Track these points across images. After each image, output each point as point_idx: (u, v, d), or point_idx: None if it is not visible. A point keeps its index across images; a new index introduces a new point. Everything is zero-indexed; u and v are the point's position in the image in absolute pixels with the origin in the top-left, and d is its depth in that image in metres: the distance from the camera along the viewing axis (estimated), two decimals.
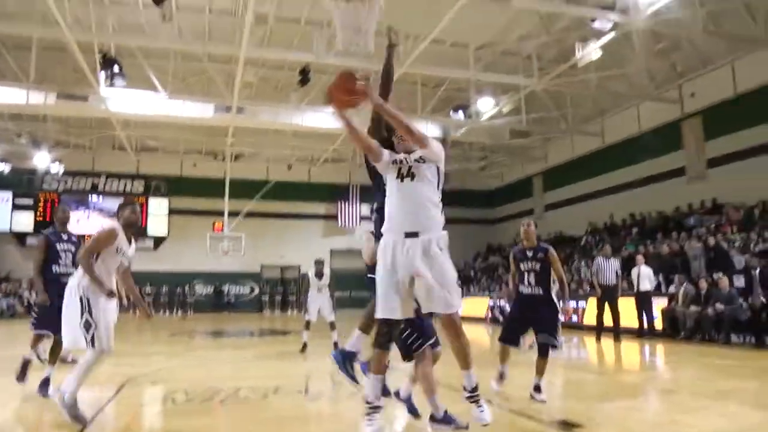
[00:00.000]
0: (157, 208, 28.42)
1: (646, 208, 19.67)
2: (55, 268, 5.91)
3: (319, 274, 10.65)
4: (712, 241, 14.12)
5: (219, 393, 6.01)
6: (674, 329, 12.42)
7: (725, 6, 14.94)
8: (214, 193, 26.42)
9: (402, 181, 3.81)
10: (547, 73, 17.92)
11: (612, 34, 14.58)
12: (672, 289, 13.52)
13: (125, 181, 28.36)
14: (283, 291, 29.65)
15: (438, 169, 3.87)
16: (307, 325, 10.43)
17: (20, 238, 26.34)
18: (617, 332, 12.32)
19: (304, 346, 10.29)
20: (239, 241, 25.80)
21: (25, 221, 26.43)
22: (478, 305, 21.85)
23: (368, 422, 3.76)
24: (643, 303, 13.00)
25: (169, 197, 28.54)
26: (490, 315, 20.23)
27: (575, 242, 22.07)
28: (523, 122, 21.06)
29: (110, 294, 4.52)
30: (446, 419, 4.07)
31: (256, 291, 29.52)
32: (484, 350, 12.97)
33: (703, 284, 12.16)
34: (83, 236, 6.22)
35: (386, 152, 3.93)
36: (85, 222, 25.56)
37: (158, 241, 28.05)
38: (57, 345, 5.68)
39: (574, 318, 15.41)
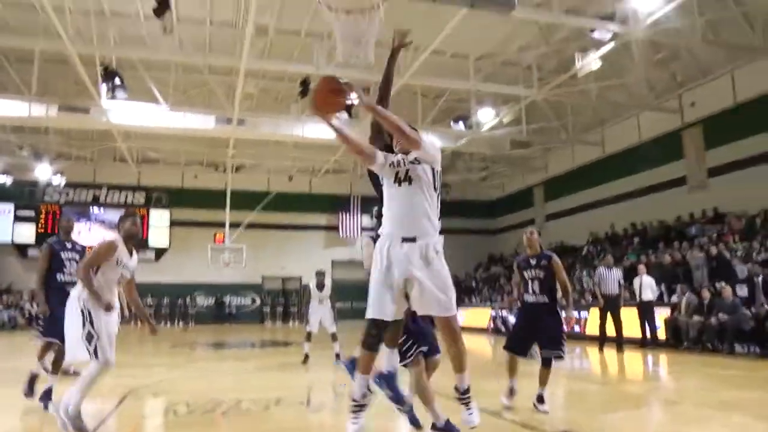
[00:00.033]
0: (159, 220, 28.43)
1: (647, 218, 19.66)
2: (59, 277, 5.91)
3: (320, 286, 10.63)
4: (714, 250, 14.09)
5: (221, 405, 5.99)
6: (677, 339, 12.37)
7: (723, 15, 15.01)
8: (215, 205, 26.43)
9: (399, 185, 3.79)
10: (547, 83, 17.98)
11: (611, 44, 14.63)
12: (674, 298, 13.48)
13: (126, 192, 28.40)
14: (284, 302, 29.61)
15: (434, 170, 3.85)
16: (309, 336, 10.41)
17: (21, 249, 26.36)
18: (620, 342, 12.28)
19: (306, 357, 10.26)
20: (240, 252, 25.79)
21: (26, 233, 26.46)
22: (479, 316, 21.81)
23: (353, 420, 3.76)
24: (646, 313, 12.97)
25: (171, 209, 28.55)
26: (492, 325, 20.18)
27: (576, 252, 22.04)
28: (523, 132, 21.09)
29: (108, 308, 4.50)
30: (447, 428, 4.05)
31: (258, 302, 29.47)
32: (486, 361, 12.93)
33: (706, 294, 12.13)
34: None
35: (380, 154, 3.91)
36: (86, 234, 25.54)
37: (159, 253, 28.04)
38: (61, 355, 5.66)
39: (577, 328, 15.36)
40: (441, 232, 3.85)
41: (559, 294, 5.79)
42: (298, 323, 26.45)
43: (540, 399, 5.51)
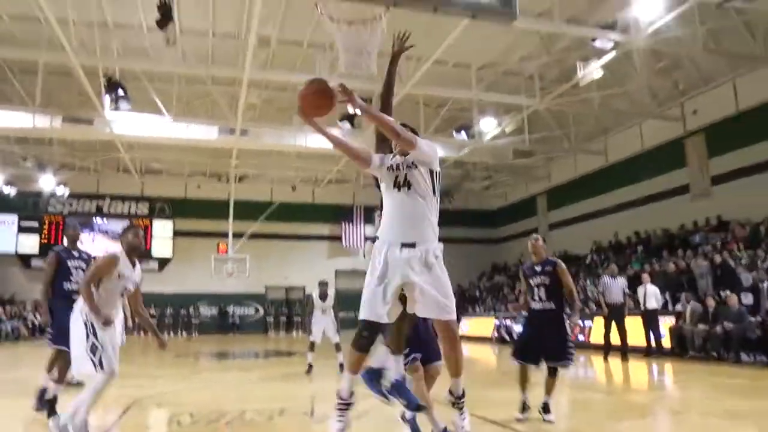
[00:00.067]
0: (162, 230, 28.50)
1: (650, 226, 19.63)
2: (66, 285, 5.91)
3: (323, 296, 10.62)
4: (718, 258, 14.04)
5: (225, 415, 5.97)
6: (682, 348, 12.32)
7: (724, 24, 15.04)
8: (218, 215, 26.48)
9: (398, 190, 3.77)
10: (549, 92, 18.02)
11: (613, 53, 14.68)
12: (679, 307, 13.43)
13: (130, 203, 28.50)
14: (287, 312, 29.59)
15: (433, 172, 3.83)
16: (312, 346, 10.38)
17: (25, 260, 26.48)
18: (625, 351, 12.23)
19: (310, 367, 10.23)
20: (244, 262, 25.79)
21: (30, 243, 26.59)
22: (483, 325, 21.76)
23: (339, 418, 3.74)
24: (650, 321, 12.92)
25: (174, 219, 28.63)
26: (496, 335, 20.12)
27: (580, 261, 21.99)
28: (526, 142, 21.10)
29: (106, 323, 4.48)
30: None
31: (261, 312, 29.44)
32: (491, 370, 12.90)
33: (711, 302, 12.08)
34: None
35: (375, 156, 3.90)
36: (89, 244, 25.59)
37: (163, 263, 28.07)
38: (67, 364, 5.64)
39: (581, 337, 15.31)
40: (444, 241, 3.84)
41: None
42: (302, 333, 26.42)
43: (545, 408, 5.48)
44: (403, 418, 4.53)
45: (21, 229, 26.65)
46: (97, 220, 27.67)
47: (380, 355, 4.17)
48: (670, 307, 13.94)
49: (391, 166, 3.85)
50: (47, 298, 5.93)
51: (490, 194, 31.13)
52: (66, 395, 5.52)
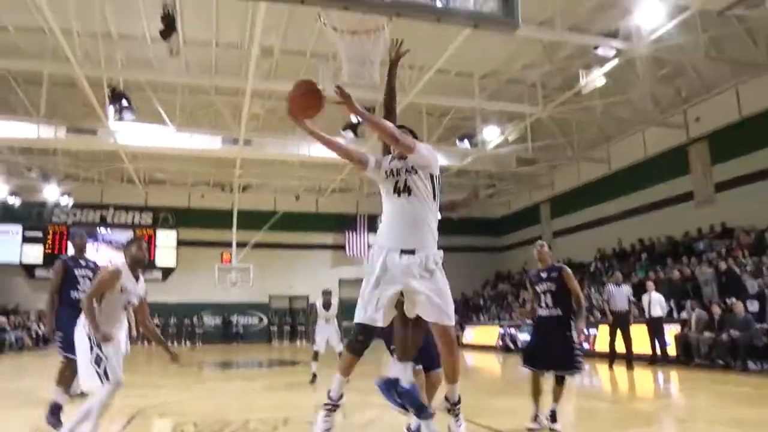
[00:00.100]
0: (165, 240, 28.56)
1: (654, 233, 19.59)
2: (74, 294, 5.89)
3: (327, 305, 10.61)
4: (723, 265, 14.00)
5: (228, 425, 5.95)
6: (688, 356, 12.26)
7: (726, 31, 15.05)
8: (222, 225, 26.50)
9: (398, 195, 3.76)
10: (551, 100, 18.04)
11: (615, 61, 14.71)
12: (684, 314, 13.38)
13: (134, 213, 28.57)
14: (291, 321, 29.56)
15: (432, 176, 3.82)
16: (316, 355, 10.36)
17: (29, 270, 26.54)
18: (630, 359, 12.18)
19: (314, 377, 10.20)
20: (247, 272, 25.78)
21: (34, 254, 26.66)
22: (488, 333, 21.70)
23: (325, 419, 3.75)
24: (655, 329, 12.88)
25: (177, 229, 28.67)
26: (500, 343, 20.06)
27: (584, 269, 21.94)
28: (529, 150, 21.10)
29: (105, 339, 4.45)
30: None
31: (265, 321, 29.42)
32: (495, 378, 12.86)
33: (716, 309, 12.04)
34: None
35: (371, 158, 3.88)
36: (93, 254, 25.62)
37: (166, 273, 28.09)
38: (73, 371, 5.61)
39: (586, 345, 15.25)
40: (448, 250, 3.84)
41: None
42: (306, 342, 26.36)
43: (553, 416, 5.45)
44: (408, 429, 4.50)
45: (25, 240, 26.73)
46: (101, 230, 27.70)
47: (398, 365, 4.15)
48: (675, 314, 13.89)
49: (391, 170, 3.83)
50: (53, 307, 5.91)
51: (493, 202, 31.12)
52: (71, 406, 5.51)
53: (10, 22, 15.28)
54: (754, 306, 11.84)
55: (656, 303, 13.01)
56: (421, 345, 4.18)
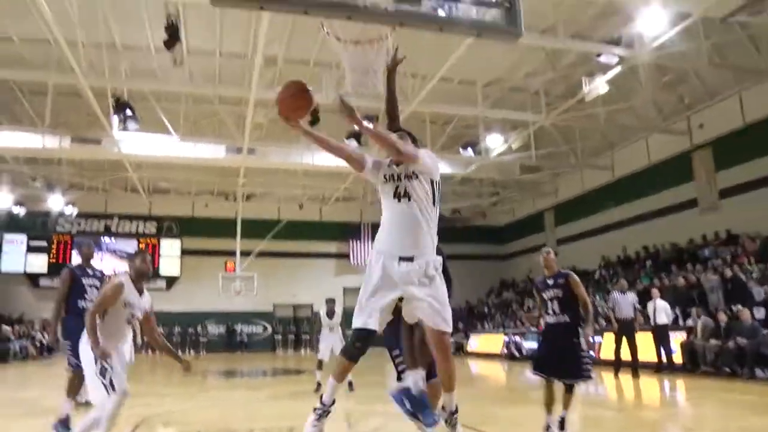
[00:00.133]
0: (170, 249, 28.62)
1: (659, 240, 19.53)
2: (81, 303, 5.89)
3: (331, 313, 10.59)
4: (729, 272, 13.95)
5: None
6: (694, 363, 12.20)
7: (729, 38, 15.05)
8: (225, 233, 26.51)
9: (398, 201, 3.74)
10: (555, 108, 18.05)
11: (618, 69, 14.72)
12: (690, 322, 13.32)
13: (138, 222, 28.65)
14: (295, 330, 29.55)
15: (433, 182, 3.81)
16: (320, 364, 10.33)
17: (33, 279, 26.63)
18: (635, 367, 12.12)
19: (318, 385, 10.16)
20: (251, 280, 25.78)
21: (39, 263, 26.76)
22: (492, 341, 21.64)
23: (314, 423, 3.71)
24: (661, 337, 12.82)
25: (182, 238, 28.74)
26: (505, 351, 20.00)
27: (589, 276, 21.87)
28: (532, 158, 21.10)
29: (102, 355, 4.40)
30: None
31: (269, 330, 29.40)
32: (500, 387, 12.80)
33: (722, 317, 11.98)
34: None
35: (370, 159, 3.86)
36: (98, 263, 25.67)
37: (171, 282, 28.12)
38: (81, 379, 5.59)
39: (591, 353, 15.18)
40: (452, 258, 3.83)
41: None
42: (310, 351, 26.34)
43: (562, 424, 5.41)
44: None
45: (30, 249, 26.81)
46: (106, 240, 27.77)
47: (408, 374, 4.13)
48: (680, 322, 13.83)
49: (391, 175, 3.81)
50: (58, 316, 5.90)
51: (497, 210, 31.11)
52: (76, 413, 5.50)
53: (15, 33, 15.38)
54: (760, 313, 11.79)
55: (661, 310, 12.96)
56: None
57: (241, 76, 16.73)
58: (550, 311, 5.68)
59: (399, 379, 4.26)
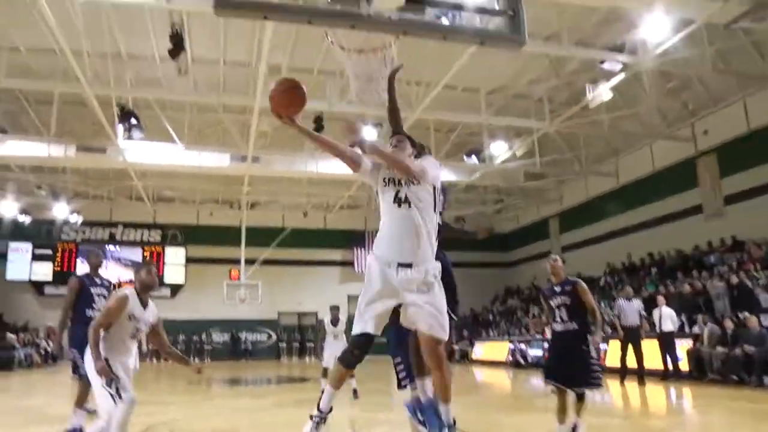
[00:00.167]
0: (174, 257, 28.69)
1: (664, 247, 19.46)
2: (89, 312, 5.89)
3: (335, 321, 10.59)
4: (735, 279, 13.89)
5: None
6: (700, 371, 12.13)
7: (733, 44, 15.05)
8: (230, 242, 26.55)
9: (399, 206, 3.70)
10: (558, 115, 18.07)
11: (622, 75, 14.73)
12: (696, 329, 13.26)
13: (142, 230, 28.74)
14: (300, 338, 29.52)
15: (435, 188, 3.80)
16: (325, 372, 10.30)
17: (38, 287, 26.71)
18: (642, 374, 12.07)
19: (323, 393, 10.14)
20: (256, 288, 25.77)
21: (43, 271, 26.85)
22: (497, 349, 21.59)
23: (312, 430, 3.72)
24: (667, 344, 12.77)
25: (186, 246, 28.80)
26: (510, 358, 19.94)
27: (594, 283, 21.80)
28: (536, 165, 21.08)
29: (101, 372, 4.36)
30: None
31: (274, 338, 29.39)
32: (505, 394, 12.75)
33: (729, 324, 11.92)
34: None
35: (368, 161, 3.83)
36: (102, 271, 25.72)
37: (175, 290, 28.15)
38: (86, 389, 5.57)
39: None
40: (456, 266, 3.83)
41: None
42: (315, 359, 26.31)
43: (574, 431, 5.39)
44: None
45: (35, 257, 26.92)
46: (110, 248, 27.85)
47: (417, 382, 4.12)
48: (686, 329, 13.77)
49: (392, 180, 3.78)
50: (64, 325, 5.88)
51: (501, 217, 31.08)
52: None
53: (22, 44, 15.50)
54: (767, 320, 11.72)
55: (667, 317, 12.92)
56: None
57: (245, 85, 16.81)
58: (558, 319, 5.64)
59: (399, 386, 4.25)
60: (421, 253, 3.64)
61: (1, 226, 24.81)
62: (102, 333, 4.53)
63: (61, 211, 24.71)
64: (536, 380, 13.90)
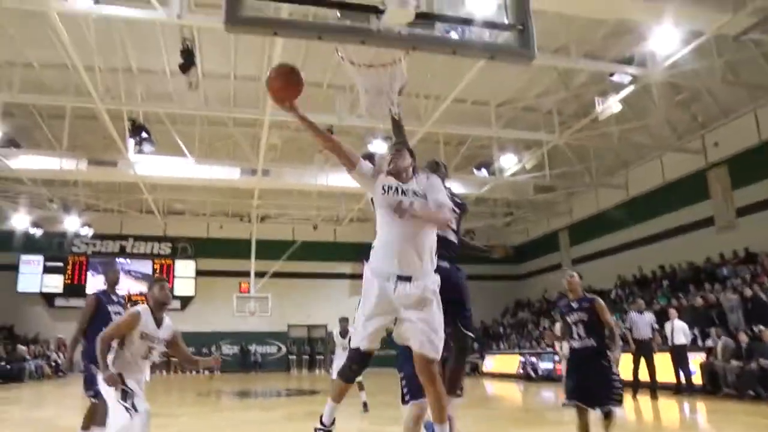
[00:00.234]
0: (184, 270, 28.79)
1: (675, 260, 19.32)
2: (104, 330, 5.88)
3: (344, 333, 10.57)
4: (748, 292, 13.75)
5: None
6: (714, 385, 12.00)
7: (742, 56, 14.99)
8: (240, 254, 26.63)
9: (400, 217, 3.58)
10: (568, 127, 18.05)
11: (631, 88, 14.72)
12: (709, 342, 13.13)
13: (153, 243, 28.90)
14: (310, 350, 29.51)
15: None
16: None
17: (49, 299, 26.90)
18: (654, 388, 11.95)
19: None
20: (266, 301, 25.81)
21: (54, 283, 27.06)
22: (508, 362, 21.47)
23: None
24: (679, 358, 12.64)
25: (196, 259, 28.92)
26: (521, 371, 19.83)
27: (605, 296, 21.63)
28: (546, 177, 21.06)
29: (109, 380, 4.36)
30: None
31: (283, 350, 29.37)
32: (516, 407, 12.66)
33: (743, 337, 11.80)
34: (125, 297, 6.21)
35: (366, 165, 3.75)
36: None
37: (185, 302, 28.19)
38: (99, 409, 5.57)
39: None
40: (467, 279, 3.80)
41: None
42: (324, 371, 26.25)
43: None
44: None
45: (46, 270, 27.14)
46: (121, 260, 27.99)
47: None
48: (699, 342, 13.64)
49: (396, 189, 3.70)
50: (77, 341, 5.84)
51: (511, 230, 30.99)
52: None
53: (36, 59, 15.69)
54: None
55: (679, 330, 12.80)
56: (458, 375, 4.14)
57: (255, 99, 16.91)
58: (576, 335, 5.54)
59: (402, 402, 4.23)
60: (422, 267, 3.56)
61: (13, 239, 25.03)
62: (114, 346, 4.52)
63: (72, 224, 24.89)
64: (547, 393, 13.81)
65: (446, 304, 3.82)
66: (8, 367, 19.98)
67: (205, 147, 19.84)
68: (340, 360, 10.38)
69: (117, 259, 27.56)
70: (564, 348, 9.78)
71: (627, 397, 11.88)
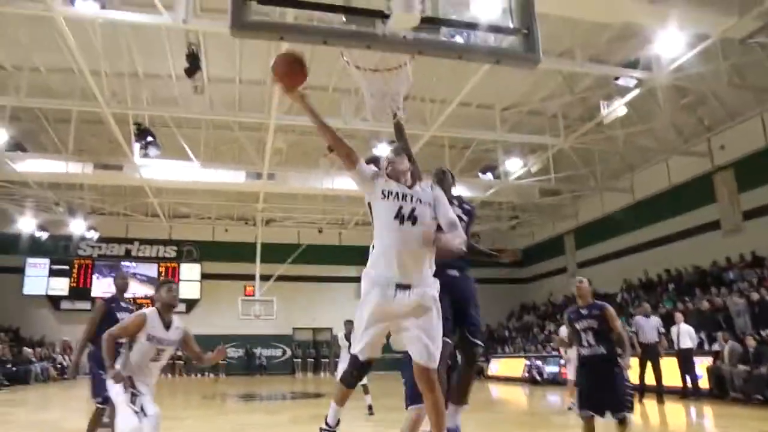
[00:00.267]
0: (189, 273, 28.82)
1: (681, 263, 19.24)
2: None
3: (349, 335, 10.54)
4: (755, 295, 13.68)
5: None
6: (721, 389, 11.93)
7: (748, 59, 14.94)
8: (245, 258, 26.63)
9: (401, 223, 3.52)
10: (573, 131, 18.03)
11: (636, 91, 14.69)
12: (716, 346, 13.07)
13: (158, 246, 28.99)
14: (315, 353, 29.51)
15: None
16: None
17: (55, 302, 27.02)
18: (661, 392, 11.90)
19: None
20: (271, 304, 25.81)
21: (60, 286, 27.17)
22: (513, 365, 21.42)
23: None
24: (686, 362, 12.58)
25: (201, 262, 28.99)
26: (526, 374, 19.78)
27: (610, 300, 21.53)
28: (552, 181, 21.03)
29: (115, 378, 4.36)
30: None
31: (288, 353, 29.39)
32: (521, 411, 12.62)
33: (751, 341, 11.72)
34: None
35: (367, 166, 3.71)
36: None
37: (190, 305, 28.22)
38: (104, 414, 5.56)
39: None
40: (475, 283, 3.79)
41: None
42: (330, 374, 26.25)
43: None
44: None
45: (52, 272, 27.24)
46: (126, 264, 28.09)
47: (449, 415, 4.08)
48: (706, 346, 13.58)
49: (396, 194, 3.62)
50: (84, 346, 5.83)
51: (516, 234, 30.94)
52: None
53: (42, 64, 15.78)
54: None
55: (685, 334, 12.74)
56: (466, 383, 4.13)
57: (260, 103, 16.95)
58: (585, 343, 5.45)
59: (406, 406, 4.24)
60: (421, 274, 3.51)
61: (19, 242, 25.16)
62: (123, 351, 4.53)
63: (77, 227, 24.97)
64: (553, 396, 13.77)
65: (454, 313, 3.80)
66: (14, 369, 20.03)
67: (211, 151, 19.90)
68: (344, 363, 10.37)
69: (122, 263, 27.68)
70: (570, 352, 9.72)
71: (633, 401, 11.92)
